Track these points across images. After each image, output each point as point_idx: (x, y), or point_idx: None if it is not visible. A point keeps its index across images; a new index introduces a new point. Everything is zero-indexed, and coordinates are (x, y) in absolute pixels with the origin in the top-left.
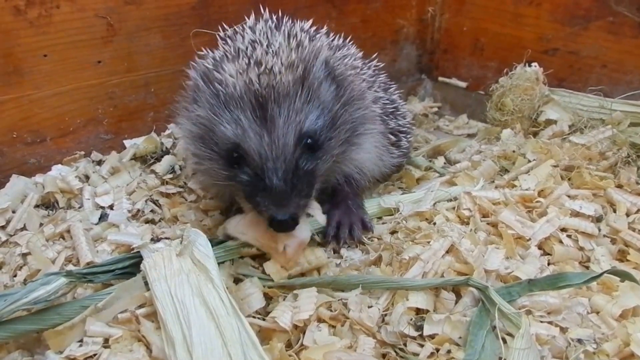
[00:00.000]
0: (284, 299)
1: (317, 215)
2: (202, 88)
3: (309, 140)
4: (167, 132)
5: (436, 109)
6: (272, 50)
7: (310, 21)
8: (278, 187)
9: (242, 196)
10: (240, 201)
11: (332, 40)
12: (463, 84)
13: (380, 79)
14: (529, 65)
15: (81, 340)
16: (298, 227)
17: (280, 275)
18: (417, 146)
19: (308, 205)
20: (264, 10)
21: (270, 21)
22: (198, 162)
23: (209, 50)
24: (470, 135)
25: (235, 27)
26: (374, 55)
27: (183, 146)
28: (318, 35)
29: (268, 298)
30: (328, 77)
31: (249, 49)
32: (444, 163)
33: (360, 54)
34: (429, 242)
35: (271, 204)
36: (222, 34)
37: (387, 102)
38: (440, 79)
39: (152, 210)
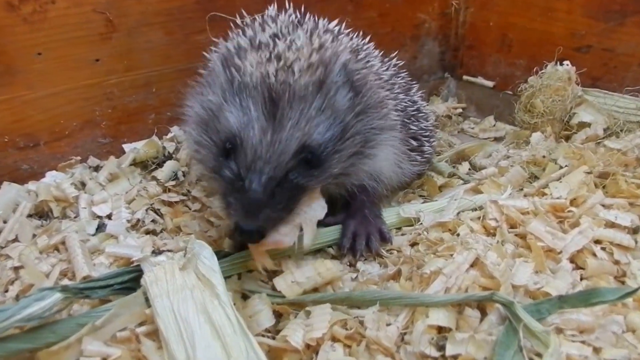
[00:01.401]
0: (295, 317)
1: (306, 233)
2: (218, 72)
3: (309, 155)
4: (170, 135)
5: (460, 110)
6: (294, 47)
7: (335, 21)
8: (254, 194)
9: (217, 191)
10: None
11: (353, 39)
12: (489, 83)
13: (400, 78)
14: (561, 64)
15: None
16: (287, 227)
17: (291, 291)
18: (439, 151)
19: (283, 220)
20: (274, 3)
21: (293, 16)
22: (197, 150)
23: (229, 39)
24: (497, 139)
25: (255, 16)
26: (394, 52)
27: (187, 129)
28: (341, 36)
29: (278, 315)
30: (346, 83)
31: (270, 42)
32: (469, 169)
33: (379, 52)
34: (452, 255)
35: (241, 210)
36: (238, 21)
37: (408, 104)
38: (465, 77)
39: (153, 220)
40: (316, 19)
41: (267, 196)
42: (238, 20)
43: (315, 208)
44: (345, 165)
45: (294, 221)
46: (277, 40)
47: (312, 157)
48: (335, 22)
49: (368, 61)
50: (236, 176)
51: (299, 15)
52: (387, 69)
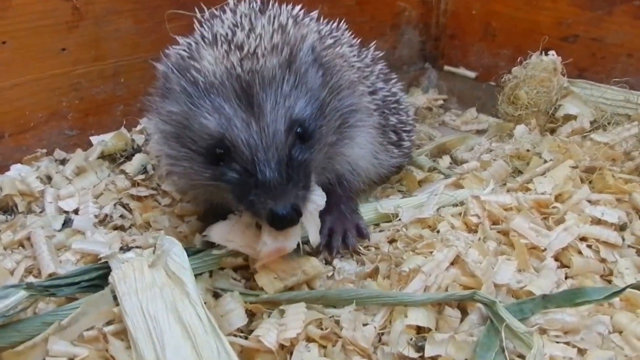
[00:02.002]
0: (268, 316)
1: (309, 228)
2: (174, 80)
3: (299, 129)
4: (139, 127)
5: (441, 102)
6: (255, 34)
7: (299, 6)
8: (273, 180)
9: (230, 199)
10: (231, 204)
11: (322, 25)
12: (472, 74)
13: (379, 68)
14: (546, 54)
15: None
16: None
17: (274, 288)
18: (419, 144)
19: (308, 198)
20: None
21: (254, 3)
22: (174, 164)
23: (182, 39)
24: (480, 132)
25: (214, 9)
26: (372, 42)
27: (155, 145)
28: (306, 20)
29: (251, 315)
30: (315, 63)
31: (229, 33)
32: (450, 163)
33: (356, 41)
34: (431, 253)
35: (268, 198)
36: (199, 16)
37: (388, 94)
38: (446, 68)
39: (121, 216)
40: (279, 6)
41: (286, 177)
42: (198, 15)
43: (314, 199)
44: (331, 142)
45: None
46: (236, 30)
47: (303, 131)
48: (298, 7)
49: (337, 47)
50: (244, 174)
51: (260, 3)
52: (364, 58)
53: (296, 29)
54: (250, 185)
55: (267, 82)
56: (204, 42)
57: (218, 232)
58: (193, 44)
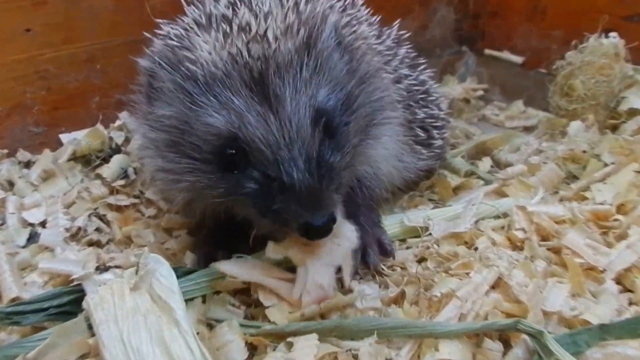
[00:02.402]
0: (274, 350)
1: (345, 267)
2: (164, 78)
3: (327, 121)
4: (118, 123)
5: (481, 93)
6: (263, 12)
7: None
8: (303, 182)
9: (252, 214)
10: (253, 220)
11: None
12: (518, 59)
13: (403, 51)
14: (606, 36)
15: None
16: (323, 271)
17: (287, 320)
18: (454, 143)
19: (339, 202)
20: None
21: None
22: (174, 180)
23: (168, 24)
24: (527, 129)
25: None
26: (396, 20)
27: (146, 160)
28: None
29: (252, 348)
30: (338, 47)
31: (228, 13)
32: (491, 166)
33: (375, 19)
34: (468, 274)
35: (300, 207)
36: None
37: (414, 83)
38: (487, 52)
39: (97, 229)
40: None
41: (317, 179)
42: None
43: (347, 235)
44: (357, 141)
45: (326, 260)
46: (237, 7)
47: (328, 123)
48: None
49: (354, 25)
50: (265, 180)
51: None
52: (385, 40)
53: (311, 6)
54: (274, 192)
55: (283, 67)
56: (197, 25)
57: (235, 265)
58: (181, 30)
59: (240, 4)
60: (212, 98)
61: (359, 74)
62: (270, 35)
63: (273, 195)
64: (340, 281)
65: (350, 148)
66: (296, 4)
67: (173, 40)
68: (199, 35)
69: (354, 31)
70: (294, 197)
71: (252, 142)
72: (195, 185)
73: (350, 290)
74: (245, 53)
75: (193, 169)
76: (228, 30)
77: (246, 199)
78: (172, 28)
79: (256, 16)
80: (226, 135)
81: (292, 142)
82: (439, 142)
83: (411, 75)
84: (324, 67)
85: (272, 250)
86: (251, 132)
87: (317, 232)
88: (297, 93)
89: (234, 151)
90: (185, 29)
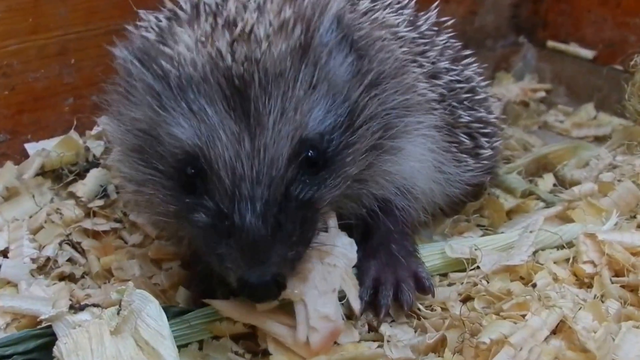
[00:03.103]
0: None
1: (347, 291)
2: (137, 75)
3: (310, 154)
4: (96, 130)
5: (543, 94)
6: (254, 4)
7: None
8: (253, 229)
9: (199, 247)
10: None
11: None
12: (588, 54)
13: (443, 40)
14: None
15: None
16: (323, 300)
17: None
18: (508, 156)
19: (301, 258)
20: None
21: None
22: (136, 190)
23: (151, 13)
24: (599, 139)
25: None
26: (436, 4)
27: (114, 163)
28: None
29: None
30: (342, 43)
31: (216, 3)
32: (554, 185)
33: (408, 2)
34: (524, 317)
35: (240, 258)
36: None
37: (457, 78)
38: (550, 44)
39: (70, 260)
40: None
41: (272, 228)
42: None
43: (341, 252)
44: (361, 165)
45: (323, 286)
46: (226, 1)
47: (316, 156)
48: None
49: (376, 12)
50: (216, 215)
51: None
52: (419, 25)
53: None
54: (223, 232)
55: (272, 79)
56: (179, 17)
57: (233, 304)
58: (164, 20)
59: None
60: (183, 104)
61: (371, 76)
62: (259, 32)
63: (220, 235)
64: (370, 326)
65: (348, 176)
66: None
67: (151, 31)
68: (180, 28)
69: (374, 19)
70: (239, 243)
71: (215, 165)
72: (153, 201)
73: (378, 333)
74: (228, 55)
75: (154, 181)
76: (212, 24)
77: (193, 229)
78: (154, 17)
79: (245, 8)
80: (189, 150)
81: (260, 177)
82: (488, 152)
83: (453, 70)
84: (321, 76)
85: None
86: (218, 152)
87: (253, 291)
88: (283, 116)
89: (193, 171)
90: (168, 19)
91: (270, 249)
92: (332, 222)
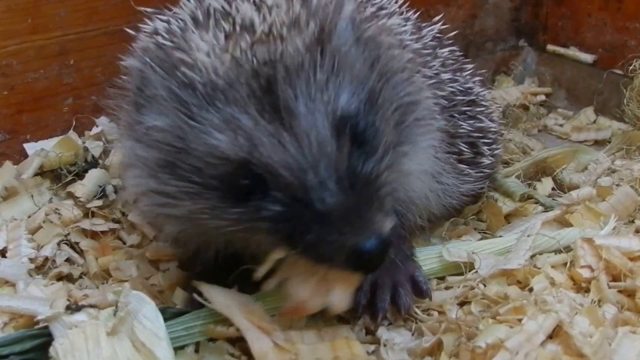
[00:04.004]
0: None
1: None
2: (157, 83)
3: (353, 128)
4: (95, 130)
5: (543, 98)
6: (267, 4)
7: None
8: (341, 205)
9: (271, 243)
10: (268, 250)
11: None
12: (588, 58)
13: (445, 52)
14: None
15: None
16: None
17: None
18: (508, 160)
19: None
20: None
21: None
22: (168, 205)
23: (157, 18)
24: (598, 143)
25: None
26: (438, 10)
27: (131, 179)
28: None
29: None
30: (357, 41)
31: (229, 6)
32: (552, 189)
33: (411, 12)
34: (520, 321)
35: (341, 233)
36: None
37: (459, 90)
38: (551, 47)
39: (68, 260)
40: None
41: (356, 197)
42: None
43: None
44: (393, 138)
45: (316, 274)
46: (238, 4)
47: (356, 131)
48: None
49: (381, 17)
50: (293, 205)
51: None
52: (423, 36)
53: None
54: (306, 221)
55: (293, 72)
56: (194, 22)
57: (219, 294)
58: (175, 25)
59: None
60: (213, 112)
61: (381, 68)
62: (274, 31)
63: (305, 224)
64: (367, 329)
65: (385, 150)
66: None
67: (163, 37)
68: (195, 33)
69: (380, 24)
70: (332, 224)
71: (271, 169)
72: (199, 215)
73: (375, 337)
74: (250, 57)
75: (193, 194)
76: (229, 28)
77: (267, 226)
78: (161, 22)
79: (259, 10)
80: (236, 160)
81: (316, 161)
82: (489, 161)
83: (455, 81)
84: (342, 66)
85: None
86: (265, 156)
87: (370, 258)
88: (311, 101)
89: (247, 182)
90: (178, 25)
91: (367, 215)
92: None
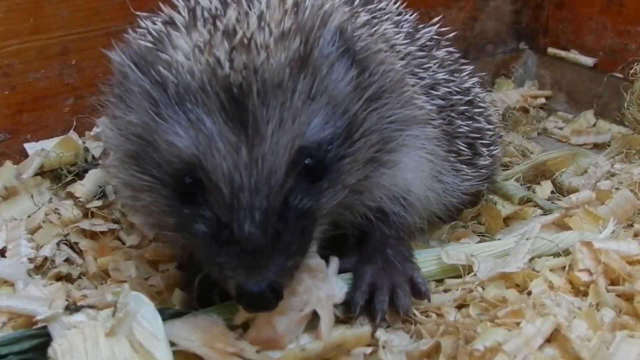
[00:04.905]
0: None
1: (322, 321)
2: (135, 80)
3: (309, 162)
4: (95, 130)
5: (543, 101)
6: (255, 12)
7: None
8: (252, 239)
9: (200, 257)
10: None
11: None
12: (588, 61)
13: (441, 54)
14: None
15: None
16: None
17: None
18: (507, 162)
19: (298, 268)
20: None
21: None
22: (133, 197)
23: (148, 20)
24: (598, 147)
25: None
26: (438, 12)
27: (111, 169)
28: None
29: None
30: (344, 55)
31: (215, 8)
32: (552, 192)
33: (409, 14)
34: (518, 324)
35: (239, 266)
36: None
37: (456, 91)
38: (551, 51)
39: (67, 260)
40: None
41: (270, 238)
42: None
43: (331, 285)
44: (359, 178)
45: (297, 307)
46: (225, 7)
47: (314, 165)
48: None
49: (375, 23)
50: (215, 224)
51: None
52: (418, 38)
53: (316, 6)
54: (222, 241)
55: (270, 89)
56: (178, 24)
57: (179, 328)
58: (161, 25)
59: (232, 1)
60: (180, 112)
61: (372, 89)
62: (258, 40)
63: (220, 244)
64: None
65: (346, 186)
66: (297, 4)
67: (147, 35)
68: (179, 34)
69: (374, 32)
70: (239, 252)
71: (213, 176)
72: (151, 209)
73: (373, 339)
74: (227, 64)
75: (151, 188)
76: (211, 31)
77: (192, 239)
78: (153, 22)
79: (247, 16)
80: (187, 159)
81: (258, 187)
82: (487, 161)
83: (452, 81)
84: (321, 88)
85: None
86: (215, 162)
87: (250, 299)
88: (282, 126)
89: (191, 180)
90: (166, 25)
91: (268, 257)
92: (332, 269)
